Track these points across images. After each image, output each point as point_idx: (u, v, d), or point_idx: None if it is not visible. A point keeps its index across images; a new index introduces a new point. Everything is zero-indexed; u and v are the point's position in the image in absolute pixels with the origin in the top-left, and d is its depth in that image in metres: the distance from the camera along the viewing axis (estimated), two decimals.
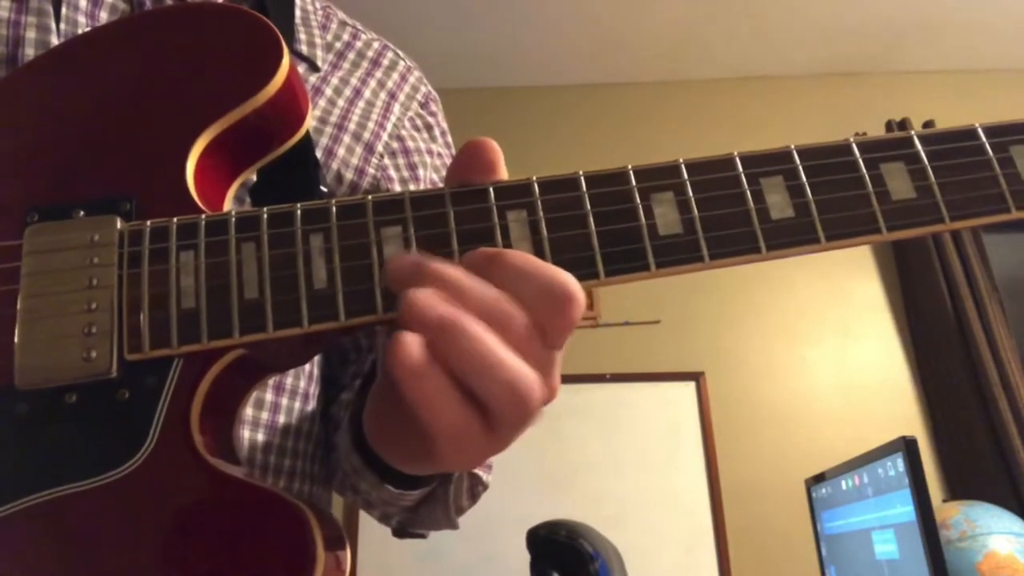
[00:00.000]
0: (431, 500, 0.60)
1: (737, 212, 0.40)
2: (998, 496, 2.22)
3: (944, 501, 2.39)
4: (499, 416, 0.36)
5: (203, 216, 0.42)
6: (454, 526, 0.61)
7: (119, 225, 0.42)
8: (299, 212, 0.41)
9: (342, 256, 0.40)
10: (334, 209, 0.41)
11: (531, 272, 0.36)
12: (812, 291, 2.78)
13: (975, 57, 2.98)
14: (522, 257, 0.37)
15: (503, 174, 0.42)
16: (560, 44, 2.92)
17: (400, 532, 0.70)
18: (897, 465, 1.53)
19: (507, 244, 0.40)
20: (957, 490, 2.48)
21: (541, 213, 0.40)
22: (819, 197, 0.40)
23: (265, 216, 0.41)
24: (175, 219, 0.42)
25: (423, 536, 0.71)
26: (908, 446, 1.49)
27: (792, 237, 0.40)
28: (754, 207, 0.40)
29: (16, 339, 0.40)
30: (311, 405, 0.65)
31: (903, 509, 1.50)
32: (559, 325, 0.36)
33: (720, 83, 3.08)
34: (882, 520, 1.60)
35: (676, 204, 0.40)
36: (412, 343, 0.35)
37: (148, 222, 0.42)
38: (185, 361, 0.40)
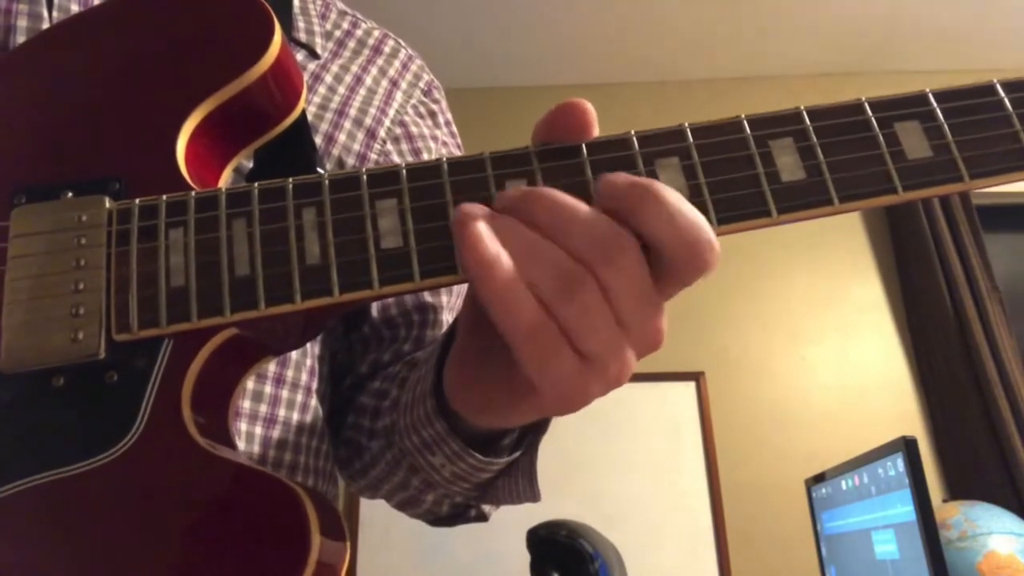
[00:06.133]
0: (512, 471, 0.56)
1: (746, 176, 0.38)
2: (998, 496, 2.22)
3: (944, 501, 2.38)
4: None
5: (192, 193, 0.41)
6: (537, 497, 0.57)
7: (107, 205, 0.42)
8: (291, 186, 0.40)
9: (336, 230, 0.39)
10: (327, 183, 0.40)
11: (681, 210, 0.35)
12: (812, 291, 2.77)
13: (974, 58, 2.98)
14: (678, 196, 0.36)
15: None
16: (560, 44, 2.92)
17: (446, 519, 0.66)
18: (897, 465, 1.52)
19: None
20: (957, 490, 2.47)
21: (541, 181, 0.39)
22: (831, 158, 0.39)
23: (256, 191, 0.40)
24: (164, 196, 0.41)
25: (471, 520, 0.66)
26: (908, 446, 1.48)
27: (804, 200, 0.38)
28: (763, 170, 0.38)
29: (2, 322, 0.40)
30: (312, 400, 0.63)
31: (903, 509, 1.49)
32: (690, 274, 0.36)
33: (720, 83, 3.07)
34: (882, 520, 1.59)
35: (681, 169, 0.39)
36: (483, 231, 0.35)
37: (137, 200, 0.41)
38: (175, 342, 0.39)
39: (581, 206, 0.36)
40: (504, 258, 0.34)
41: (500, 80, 3.04)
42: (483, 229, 0.35)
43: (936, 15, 2.80)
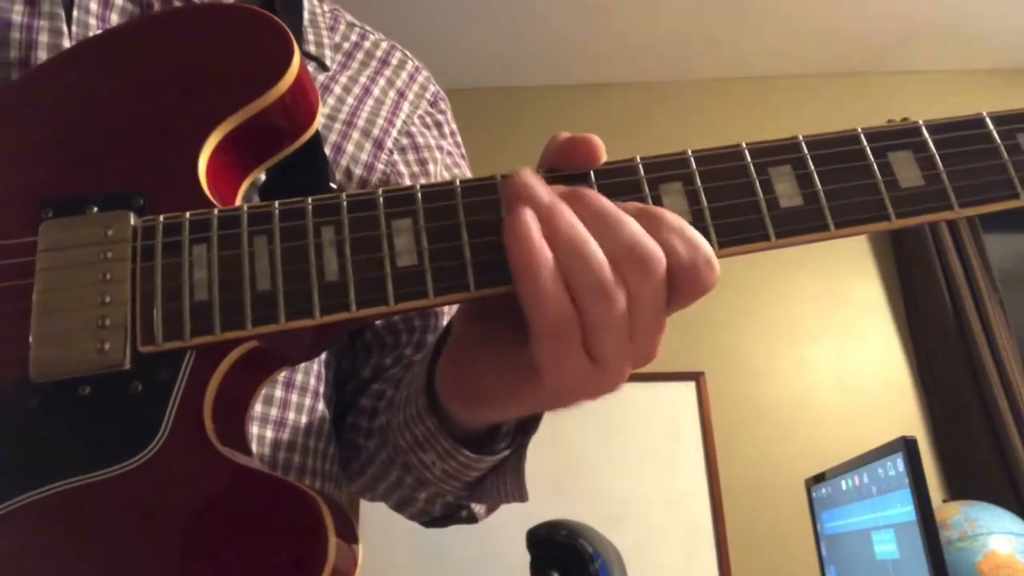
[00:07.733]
0: (501, 469, 0.58)
1: (746, 202, 0.40)
2: (998, 496, 2.23)
3: (944, 501, 2.39)
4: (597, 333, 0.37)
5: (215, 210, 0.42)
6: (524, 497, 0.59)
7: (132, 220, 0.43)
8: (311, 206, 0.42)
9: (353, 248, 0.40)
10: (345, 202, 0.41)
11: (683, 231, 0.38)
12: (812, 291, 2.78)
13: (975, 57, 2.98)
14: (680, 219, 0.38)
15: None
16: (560, 44, 2.92)
17: (439, 519, 0.68)
18: (897, 465, 1.53)
19: None
20: (957, 490, 2.48)
21: None
22: (828, 186, 0.41)
23: (277, 210, 0.42)
24: (188, 213, 0.42)
25: (462, 521, 0.68)
26: (908, 446, 1.49)
27: (801, 225, 0.40)
28: (763, 196, 0.40)
29: (31, 333, 0.41)
30: (320, 403, 0.65)
31: (903, 509, 1.50)
32: (690, 292, 0.38)
33: (720, 83, 3.08)
34: (882, 520, 1.60)
35: (685, 194, 0.41)
36: (530, 218, 0.37)
37: (161, 216, 0.43)
38: (198, 354, 0.41)
39: (623, 213, 0.38)
40: (547, 254, 0.37)
41: (500, 80, 3.05)
42: (532, 220, 0.37)
43: (937, 15, 2.80)
